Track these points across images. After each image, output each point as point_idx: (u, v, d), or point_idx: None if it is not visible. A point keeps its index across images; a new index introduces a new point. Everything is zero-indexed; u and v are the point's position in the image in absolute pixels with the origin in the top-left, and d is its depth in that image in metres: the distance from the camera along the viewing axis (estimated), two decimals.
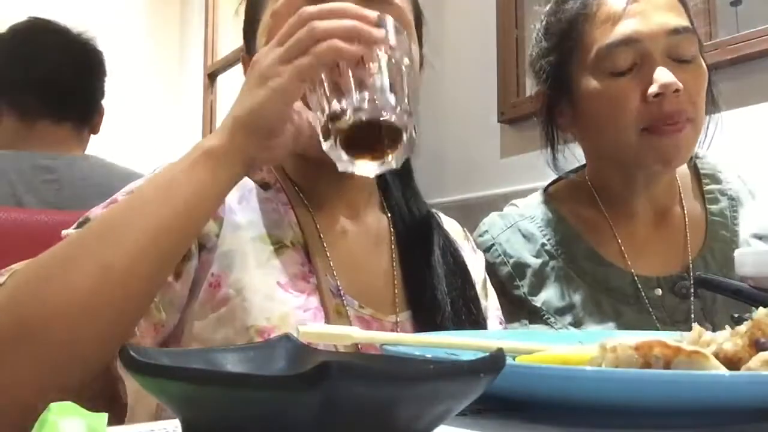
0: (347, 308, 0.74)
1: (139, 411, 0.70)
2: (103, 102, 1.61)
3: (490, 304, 0.91)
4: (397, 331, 0.76)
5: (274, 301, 0.69)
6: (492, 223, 1.06)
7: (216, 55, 3.91)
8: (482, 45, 2.07)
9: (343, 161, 0.59)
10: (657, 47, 0.90)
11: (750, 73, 1.34)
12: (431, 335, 0.55)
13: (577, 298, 0.95)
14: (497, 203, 2.08)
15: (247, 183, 0.76)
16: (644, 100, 0.90)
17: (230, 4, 3.94)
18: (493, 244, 1.02)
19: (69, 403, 0.26)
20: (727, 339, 0.43)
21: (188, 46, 4.33)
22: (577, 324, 0.93)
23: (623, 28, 0.91)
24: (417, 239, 0.85)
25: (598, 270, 0.97)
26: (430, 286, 0.80)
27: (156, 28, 4.39)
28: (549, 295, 0.96)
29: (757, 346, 0.43)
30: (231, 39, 3.77)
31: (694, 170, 1.06)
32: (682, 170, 1.04)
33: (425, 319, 0.77)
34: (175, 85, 4.29)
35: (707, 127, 0.97)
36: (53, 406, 0.25)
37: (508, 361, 0.30)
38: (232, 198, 0.75)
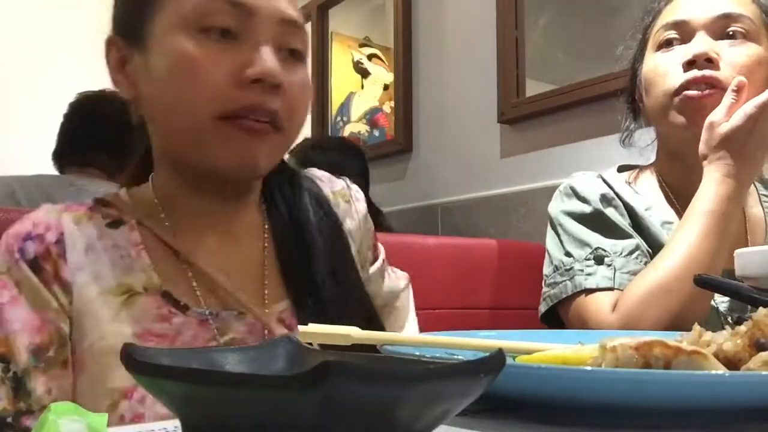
0: (226, 324, 0.72)
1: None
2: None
3: (374, 267, 0.92)
4: (285, 323, 0.75)
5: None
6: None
7: None
8: (482, 45, 2.07)
9: None
10: (704, 28, 0.99)
11: None
12: (431, 335, 0.55)
13: None
14: (497, 203, 2.09)
15: (92, 229, 0.75)
16: (681, 68, 0.98)
17: None
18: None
19: (69, 403, 0.26)
20: (727, 339, 0.43)
21: None
22: None
23: (678, 14, 1.02)
24: (289, 227, 0.82)
25: None
26: (304, 268, 0.79)
27: None
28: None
29: (757, 346, 0.43)
30: None
31: (760, 182, 1.12)
32: None
33: (302, 301, 0.77)
34: None
35: None
36: (53, 406, 0.25)
37: (508, 361, 0.30)
38: (77, 253, 0.72)
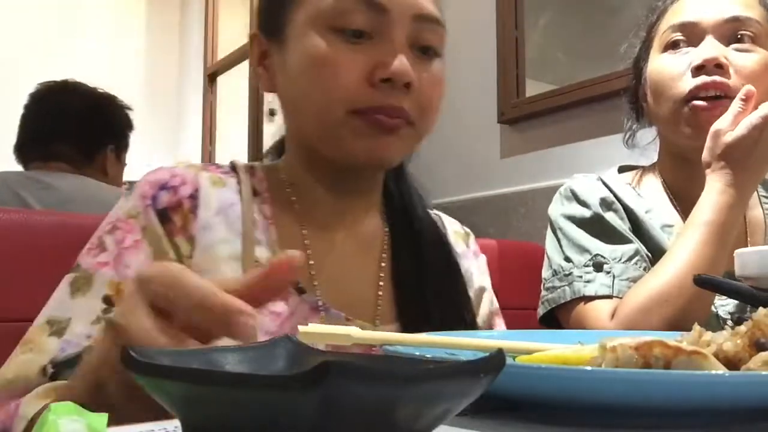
0: (333, 322, 0.72)
1: None
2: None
3: (481, 312, 0.91)
4: None
5: None
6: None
7: (216, 56, 3.92)
8: (482, 45, 2.07)
9: None
10: (713, 31, 0.98)
11: None
12: (431, 335, 0.55)
13: None
14: (497, 203, 2.08)
15: (226, 194, 0.76)
16: (690, 72, 0.98)
17: (230, 4, 3.94)
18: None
19: (69, 403, 0.26)
20: (727, 339, 0.43)
21: (188, 47, 4.33)
22: None
23: (686, 15, 1.01)
24: (410, 245, 0.82)
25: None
26: (418, 297, 0.78)
27: (156, 28, 4.39)
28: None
29: (757, 346, 0.43)
30: (231, 39, 3.77)
31: (761, 183, 1.11)
32: None
33: (413, 330, 0.75)
34: (175, 85, 4.29)
35: None
36: (53, 406, 0.25)
37: (508, 361, 0.30)
38: (209, 212, 0.73)
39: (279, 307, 0.71)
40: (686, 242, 0.89)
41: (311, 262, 0.75)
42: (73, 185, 1.60)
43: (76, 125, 1.72)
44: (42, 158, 1.70)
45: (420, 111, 0.74)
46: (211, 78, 3.90)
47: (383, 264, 0.81)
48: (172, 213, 0.72)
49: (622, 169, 1.15)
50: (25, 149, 1.75)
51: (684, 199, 1.05)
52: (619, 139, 1.18)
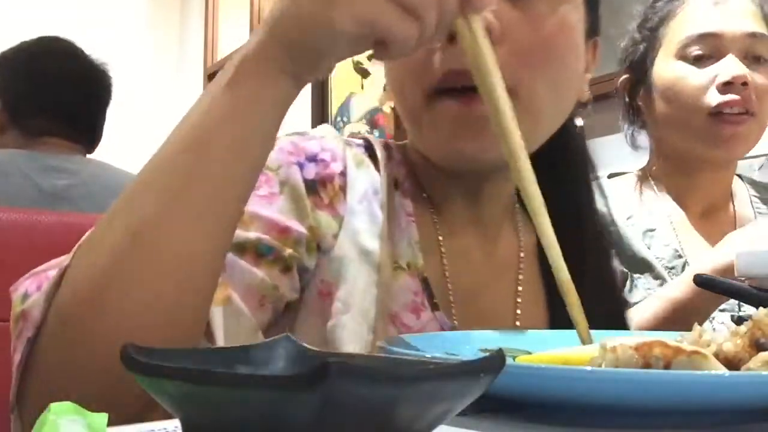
0: None
1: None
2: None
3: None
4: None
5: (377, 334, 0.59)
6: None
7: (216, 55, 3.91)
8: None
9: None
10: (734, 45, 1.00)
11: None
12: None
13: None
14: None
15: (373, 178, 0.66)
16: (715, 87, 0.99)
17: (230, 4, 3.94)
18: None
19: (69, 403, 0.25)
20: (727, 339, 0.43)
21: (188, 47, 4.33)
22: None
23: (706, 25, 1.02)
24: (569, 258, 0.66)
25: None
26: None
27: (156, 28, 4.39)
28: None
29: (757, 346, 0.43)
30: (231, 39, 3.77)
31: (752, 184, 1.15)
32: (738, 183, 1.14)
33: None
34: (175, 86, 4.29)
35: None
36: (53, 406, 0.25)
37: (508, 361, 0.30)
38: (354, 196, 0.64)
39: (410, 320, 0.63)
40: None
41: (444, 262, 0.67)
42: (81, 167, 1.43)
43: (61, 94, 1.48)
44: (29, 134, 1.47)
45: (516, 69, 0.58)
46: (210, 78, 3.90)
47: (520, 287, 0.70)
48: (320, 187, 0.62)
49: (611, 176, 1.16)
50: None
51: (679, 203, 1.06)
52: (616, 139, 1.18)
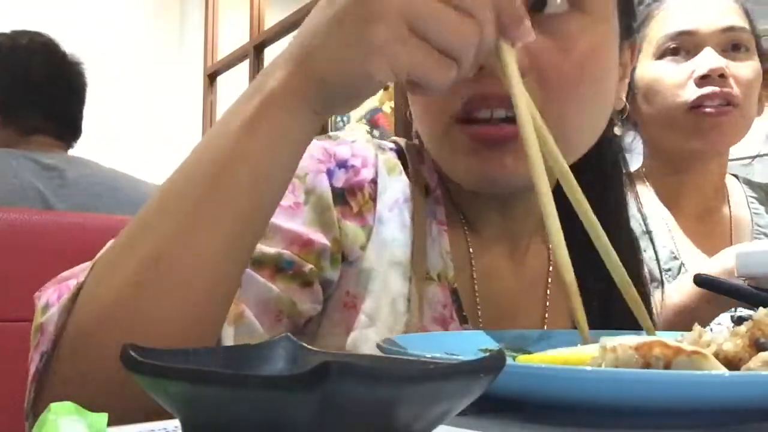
0: None
1: None
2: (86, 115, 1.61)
3: None
4: None
5: None
6: None
7: (216, 55, 3.91)
8: None
9: None
10: (711, 40, 1.01)
11: None
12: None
13: None
14: None
15: (405, 184, 0.64)
16: (693, 82, 1.01)
17: (230, 4, 3.94)
18: None
19: (69, 403, 0.25)
20: (727, 339, 0.43)
21: (188, 47, 4.34)
22: None
23: (683, 23, 1.04)
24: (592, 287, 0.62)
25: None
26: (605, 300, 0.64)
27: (156, 28, 4.39)
28: None
29: (757, 346, 0.43)
30: (231, 39, 3.77)
31: (748, 184, 1.16)
32: (734, 183, 1.14)
33: None
34: (175, 86, 4.29)
35: None
36: (53, 405, 0.25)
37: (508, 361, 0.30)
38: (384, 204, 0.62)
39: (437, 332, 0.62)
40: None
41: (473, 275, 0.65)
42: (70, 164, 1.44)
43: (41, 90, 1.48)
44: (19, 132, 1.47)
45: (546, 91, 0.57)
46: (211, 78, 3.90)
47: (548, 301, 0.69)
48: (349, 196, 0.61)
49: None
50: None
51: (673, 204, 1.06)
52: None
